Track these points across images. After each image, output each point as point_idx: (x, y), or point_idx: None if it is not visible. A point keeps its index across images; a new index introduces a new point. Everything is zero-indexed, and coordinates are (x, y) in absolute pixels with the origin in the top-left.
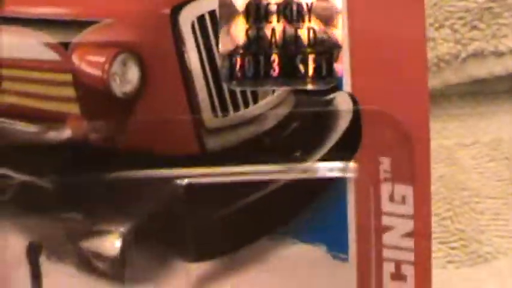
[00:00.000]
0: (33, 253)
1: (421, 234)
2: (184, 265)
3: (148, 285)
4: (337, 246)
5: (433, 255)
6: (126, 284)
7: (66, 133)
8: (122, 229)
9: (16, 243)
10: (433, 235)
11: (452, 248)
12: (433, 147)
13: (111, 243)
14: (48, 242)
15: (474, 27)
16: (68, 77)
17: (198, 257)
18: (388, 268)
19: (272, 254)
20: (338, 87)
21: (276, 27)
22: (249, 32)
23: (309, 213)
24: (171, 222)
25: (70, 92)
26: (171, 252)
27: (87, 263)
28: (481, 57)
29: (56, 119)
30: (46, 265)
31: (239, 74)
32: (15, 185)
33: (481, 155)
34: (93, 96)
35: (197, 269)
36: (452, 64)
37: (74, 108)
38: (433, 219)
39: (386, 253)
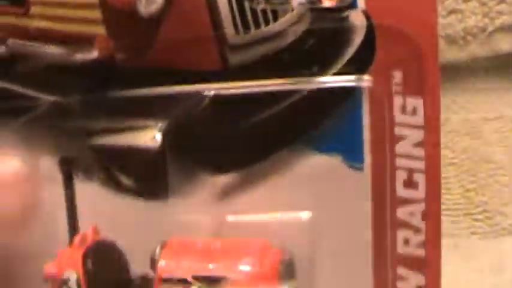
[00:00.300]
0: (65, 165)
1: (431, 144)
2: (210, 177)
3: (174, 198)
4: (352, 156)
5: (457, 226)
6: (152, 198)
7: (93, 54)
8: (160, 124)
9: (47, 161)
10: (457, 206)
11: (476, 220)
12: (457, 121)
13: (151, 135)
14: (76, 160)
15: (502, 1)
16: (95, 0)
17: (223, 169)
18: (401, 176)
19: (292, 165)
20: (353, 4)
21: None
22: None
23: (326, 125)
24: (197, 135)
25: (97, 14)
26: (197, 165)
27: (114, 180)
28: (508, 31)
29: (83, 41)
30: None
31: None
32: (44, 105)
33: (505, 129)
34: (119, 17)
35: (222, 181)
36: (479, 37)
37: (100, 30)
38: (457, 191)
39: (399, 162)
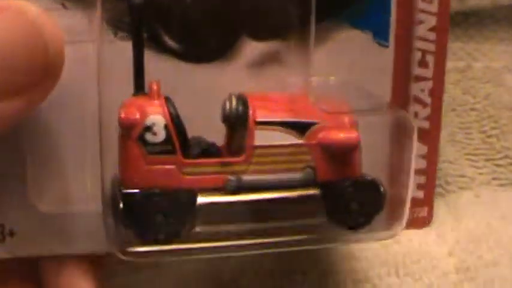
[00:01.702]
0: (136, 12)
1: (441, 30)
2: (251, 43)
3: (215, 62)
4: (380, 34)
5: (478, 171)
6: (193, 60)
7: None
8: None
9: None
10: (478, 151)
11: (498, 166)
12: (479, 68)
13: None
14: (122, 23)
15: None
16: None
17: (265, 36)
18: (416, 56)
19: (329, 36)
20: None
21: None
22: None
23: (362, 4)
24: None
25: None
26: (239, 30)
27: (157, 40)
28: None
29: None
30: (119, 43)
31: None
32: None
33: None
34: None
35: (262, 47)
36: None
37: None
38: (479, 136)
39: (415, 43)
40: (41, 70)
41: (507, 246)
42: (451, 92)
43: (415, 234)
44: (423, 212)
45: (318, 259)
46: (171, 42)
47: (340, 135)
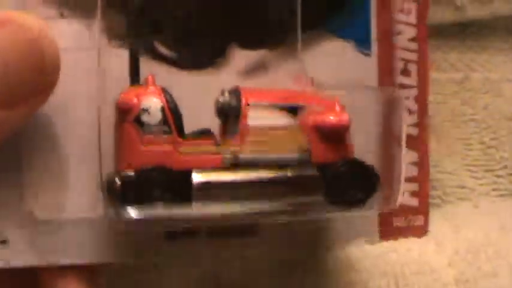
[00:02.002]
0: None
1: (421, 39)
2: (241, 51)
3: (206, 69)
4: (362, 44)
5: (478, 182)
6: (186, 68)
7: None
8: None
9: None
10: (478, 162)
11: (497, 176)
12: (477, 79)
13: None
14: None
15: None
16: None
17: (255, 44)
18: (399, 66)
19: (314, 44)
20: None
21: None
22: None
23: (342, 13)
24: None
25: None
26: (230, 39)
27: (152, 49)
28: None
29: None
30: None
31: None
32: None
33: None
34: None
35: (252, 55)
36: None
37: None
38: (478, 147)
39: (398, 53)
40: (38, 83)
41: (506, 257)
42: (450, 103)
43: (413, 243)
44: (419, 220)
45: (316, 271)
46: (163, 49)
47: (331, 117)
